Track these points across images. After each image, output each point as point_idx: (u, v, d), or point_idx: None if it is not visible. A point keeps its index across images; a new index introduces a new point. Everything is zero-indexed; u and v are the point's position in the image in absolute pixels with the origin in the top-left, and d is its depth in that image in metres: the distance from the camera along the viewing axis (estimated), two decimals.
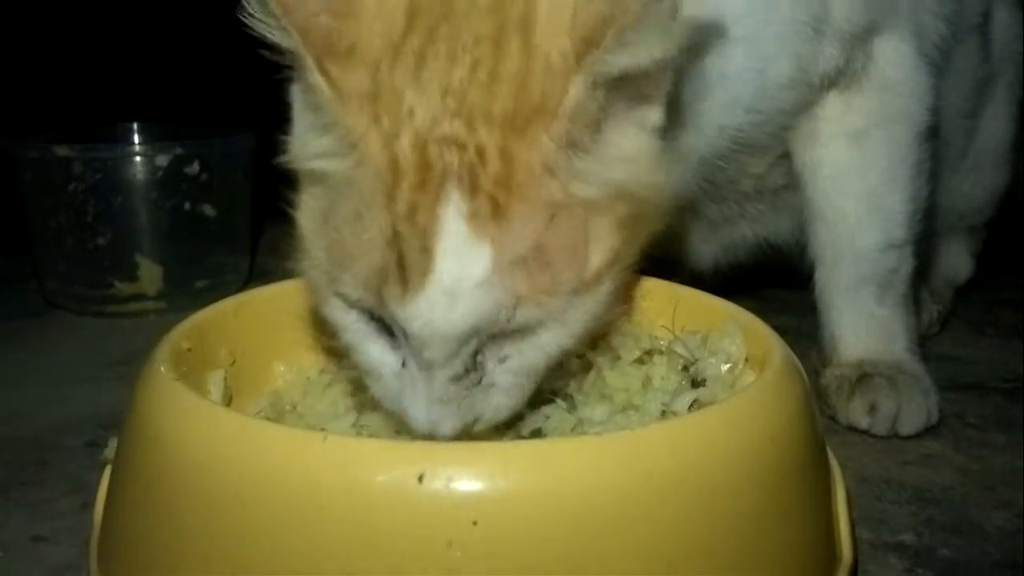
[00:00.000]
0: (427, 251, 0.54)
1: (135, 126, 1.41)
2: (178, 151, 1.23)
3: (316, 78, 0.55)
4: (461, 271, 0.54)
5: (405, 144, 0.54)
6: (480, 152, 0.54)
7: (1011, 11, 1.09)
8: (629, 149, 0.59)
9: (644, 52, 0.54)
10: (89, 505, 0.63)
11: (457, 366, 0.57)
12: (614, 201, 0.58)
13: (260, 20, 0.56)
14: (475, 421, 0.59)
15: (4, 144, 1.25)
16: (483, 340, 0.57)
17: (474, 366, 0.58)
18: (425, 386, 0.57)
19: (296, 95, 0.63)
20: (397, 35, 0.56)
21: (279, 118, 0.64)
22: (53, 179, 1.22)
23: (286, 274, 0.75)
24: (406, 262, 0.54)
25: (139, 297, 1.25)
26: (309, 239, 0.60)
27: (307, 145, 0.61)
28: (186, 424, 0.53)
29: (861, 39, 0.83)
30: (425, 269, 0.54)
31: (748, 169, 0.89)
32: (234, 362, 0.71)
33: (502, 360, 0.59)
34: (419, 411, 0.58)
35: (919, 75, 0.87)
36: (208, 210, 1.27)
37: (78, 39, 2.17)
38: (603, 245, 0.58)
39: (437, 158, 0.54)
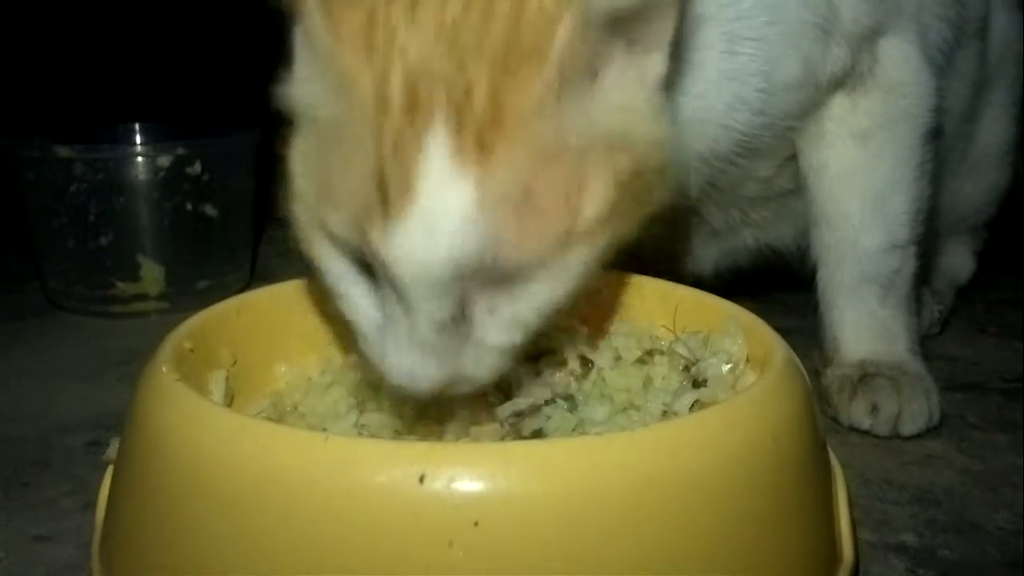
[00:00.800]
0: (410, 185, 0.53)
1: (137, 126, 1.41)
2: (180, 152, 1.23)
3: (315, 19, 0.55)
4: (443, 206, 0.53)
5: (395, 81, 0.54)
6: (469, 90, 0.53)
7: (1010, 13, 1.10)
8: (627, 98, 0.58)
9: None
10: (91, 505, 0.63)
11: (442, 311, 0.55)
12: (611, 152, 0.57)
13: None
14: (457, 380, 0.58)
15: (6, 144, 1.25)
16: (470, 286, 0.56)
17: (462, 318, 0.57)
18: (406, 329, 0.56)
19: (298, 38, 0.62)
20: None
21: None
22: (55, 179, 1.22)
23: (288, 274, 0.75)
24: (389, 197, 0.53)
25: (141, 297, 1.25)
26: (299, 180, 0.60)
27: (304, 89, 0.60)
28: (188, 424, 0.53)
29: (868, 40, 0.83)
30: (406, 203, 0.53)
31: (754, 173, 0.89)
32: (235, 362, 0.70)
33: (492, 312, 0.57)
34: (400, 359, 0.57)
35: (923, 77, 0.87)
36: (210, 210, 1.27)
37: (80, 39, 2.17)
38: (598, 196, 0.56)
39: (426, 95, 0.53)
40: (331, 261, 0.60)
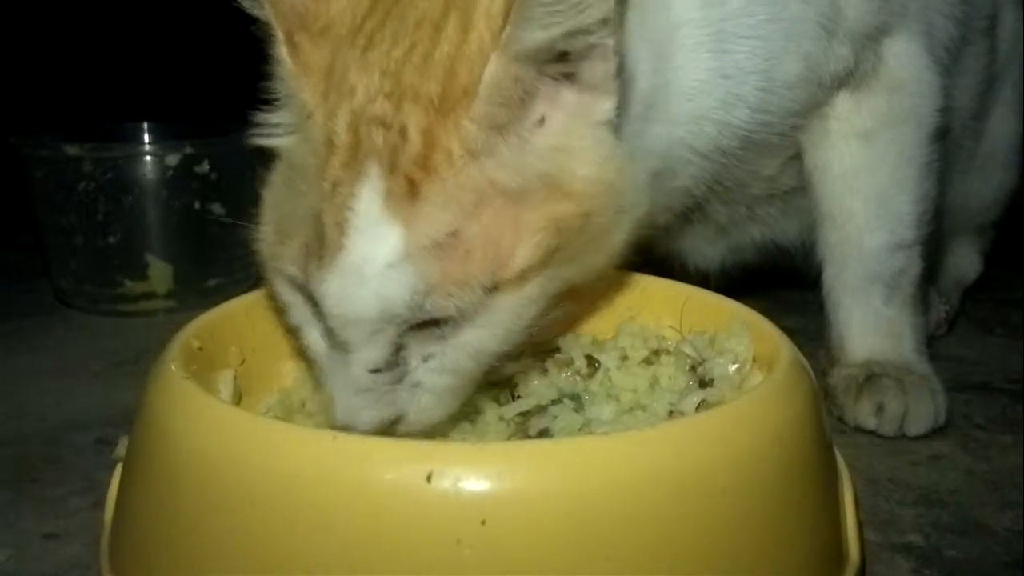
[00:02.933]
0: (341, 228, 0.53)
1: (145, 125, 1.41)
2: (188, 150, 1.24)
3: (281, 50, 0.56)
4: (370, 250, 0.53)
5: (341, 121, 0.55)
6: (403, 132, 0.54)
7: (1018, 11, 1.09)
8: (570, 140, 0.58)
9: (557, 24, 0.52)
10: (99, 503, 0.64)
11: (375, 355, 0.56)
12: (547, 196, 0.56)
13: None
14: (398, 420, 0.58)
15: (15, 143, 1.25)
16: (401, 332, 0.56)
17: (396, 362, 0.57)
18: (343, 373, 0.57)
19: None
20: (360, 16, 0.57)
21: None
22: (64, 178, 1.22)
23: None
24: (325, 238, 0.54)
25: (149, 296, 1.25)
26: (266, 211, 0.61)
27: (272, 115, 0.61)
28: (196, 423, 0.54)
29: (872, 39, 0.83)
30: (337, 246, 0.54)
31: (760, 171, 0.89)
32: (244, 361, 0.71)
33: (425, 359, 0.58)
34: (337, 401, 0.57)
35: (929, 76, 0.87)
36: (218, 209, 1.27)
37: (89, 38, 2.18)
38: (532, 242, 0.56)
39: (366, 136, 0.54)
40: (287, 295, 0.61)
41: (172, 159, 1.23)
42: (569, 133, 0.58)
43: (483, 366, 0.59)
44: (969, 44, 0.97)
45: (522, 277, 0.56)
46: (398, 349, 0.57)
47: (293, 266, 0.57)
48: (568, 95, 0.57)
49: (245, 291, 0.76)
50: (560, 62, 0.56)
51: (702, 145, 0.79)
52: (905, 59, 0.85)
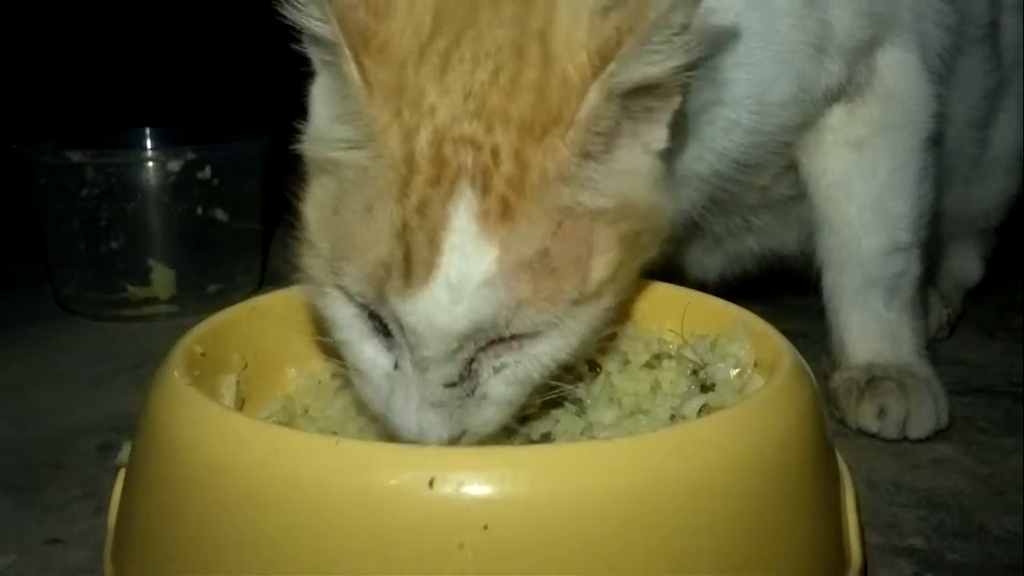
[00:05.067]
0: (435, 246, 0.54)
1: (148, 131, 1.42)
2: (190, 156, 1.24)
3: (350, 67, 0.57)
4: (467, 268, 0.54)
5: (424, 139, 0.55)
6: (495, 153, 0.55)
7: (1019, 19, 1.09)
8: (635, 165, 0.61)
9: (658, 63, 0.55)
10: (103, 508, 0.64)
11: (452, 370, 0.57)
12: (619, 215, 0.59)
13: (302, 10, 0.58)
14: (462, 433, 0.59)
15: (18, 149, 1.26)
16: (480, 344, 0.57)
17: (469, 374, 0.58)
18: (418, 388, 0.57)
19: (318, 87, 0.64)
20: (424, 37, 0.58)
21: (291, 124, 0.65)
22: (66, 184, 1.23)
23: (297, 279, 0.76)
24: (412, 256, 0.54)
25: (152, 301, 1.26)
26: (314, 230, 0.61)
27: (328, 133, 0.61)
28: (199, 428, 0.54)
29: (864, 52, 0.84)
30: (431, 264, 0.54)
31: (754, 182, 0.90)
32: (246, 366, 0.71)
33: (498, 369, 0.59)
34: (409, 415, 0.58)
35: (922, 84, 0.87)
36: (220, 215, 1.28)
37: (91, 45, 2.18)
38: (606, 258, 0.59)
39: (453, 156, 0.55)
40: (340, 311, 0.61)
41: (174, 165, 1.24)
42: (635, 159, 0.61)
43: (547, 376, 0.61)
44: (965, 52, 0.97)
45: (599, 289, 0.59)
46: (471, 362, 0.58)
47: (362, 284, 0.57)
48: (635, 125, 0.60)
49: (247, 296, 0.76)
50: (639, 98, 0.58)
51: (702, 170, 0.80)
52: (899, 69, 0.86)
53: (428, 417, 0.57)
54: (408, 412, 0.58)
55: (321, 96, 0.64)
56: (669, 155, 0.65)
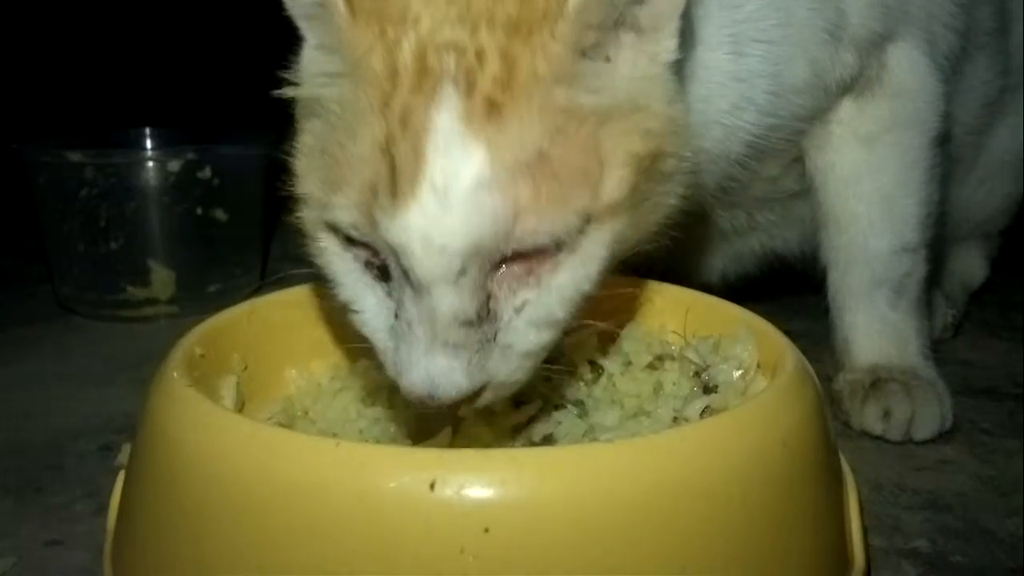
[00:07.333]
0: (418, 152, 0.51)
1: (147, 131, 1.41)
2: (190, 156, 1.24)
3: None
4: (454, 171, 0.51)
5: (406, 51, 0.53)
6: (480, 55, 0.53)
7: None
8: (644, 72, 0.58)
9: None
10: (103, 509, 0.64)
11: (463, 302, 0.52)
12: (628, 131, 0.56)
13: None
14: (484, 386, 0.55)
15: (18, 149, 1.25)
16: (485, 267, 0.53)
17: (487, 315, 0.54)
18: (426, 330, 0.53)
19: (307, 23, 0.61)
20: None
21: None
22: (66, 184, 1.22)
23: (298, 279, 0.75)
24: (397, 168, 0.51)
25: (151, 302, 1.25)
26: (303, 176, 0.58)
27: (312, 66, 0.60)
28: (199, 430, 0.53)
29: (876, 45, 0.84)
30: (416, 172, 0.51)
31: (762, 172, 0.89)
32: (246, 367, 0.71)
33: (518, 309, 0.55)
34: (416, 365, 0.53)
35: (931, 82, 0.87)
36: (220, 215, 1.27)
37: (91, 44, 2.18)
38: (619, 175, 0.55)
39: (436, 62, 0.53)
40: (339, 262, 0.58)
41: (174, 165, 1.23)
42: (644, 67, 0.58)
43: (570, 314, 0.56)
44: (971, 56, 0.97)
45: (614, 208, 0.55)
46: (488, 299, 0.54)
47: (352, 214, 0.54)
48: (637, 42, 0.58)
49: (247, 296, 0.76)
50: (634, 9, 0.56)
51: (713, 147, 0.79)
52: (908, 65, 0.86)
53: (439, 362, 0.53)
54: (415, 362, 0.53)
55: (308, 31, 0.61)
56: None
